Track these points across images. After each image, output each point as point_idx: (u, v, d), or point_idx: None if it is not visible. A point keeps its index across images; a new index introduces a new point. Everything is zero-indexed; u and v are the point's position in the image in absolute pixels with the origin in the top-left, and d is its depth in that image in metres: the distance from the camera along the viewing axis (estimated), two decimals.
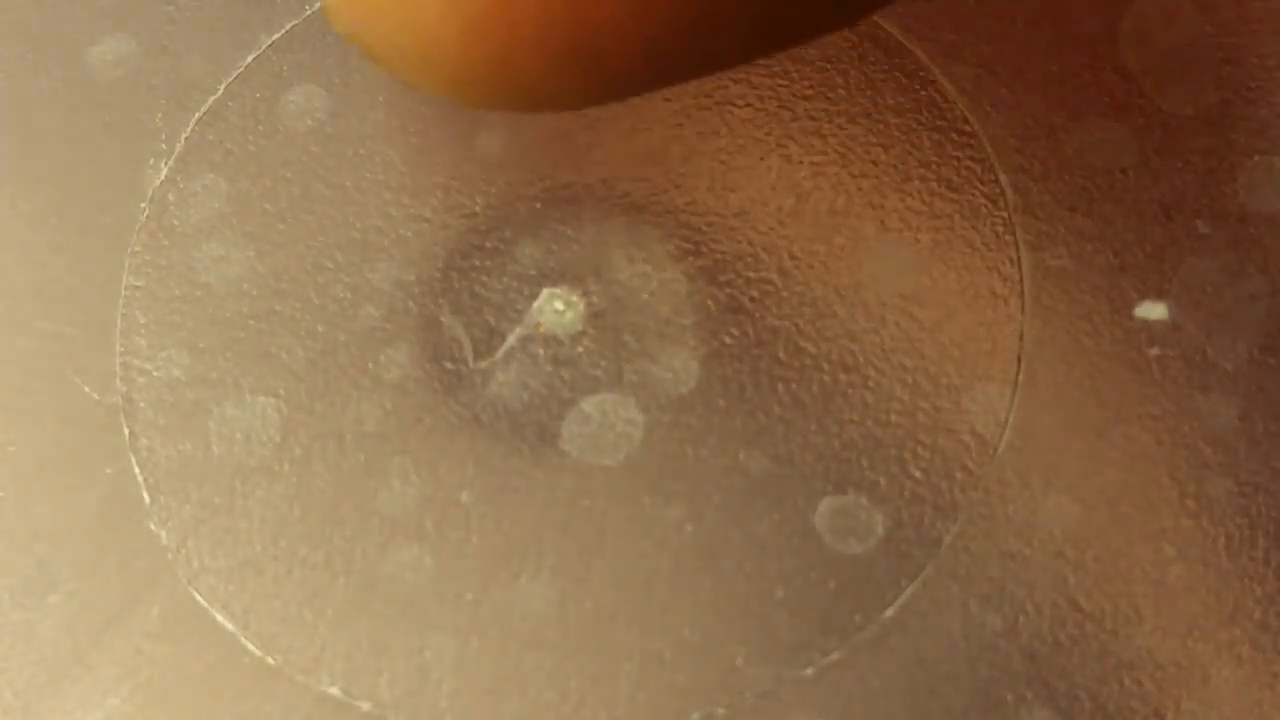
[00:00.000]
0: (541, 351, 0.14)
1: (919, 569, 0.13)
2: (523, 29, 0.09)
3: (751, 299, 0.14)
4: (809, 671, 0.13)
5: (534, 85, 0.10)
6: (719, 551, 0.14)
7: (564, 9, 0.09)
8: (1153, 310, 0.14)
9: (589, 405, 0.14)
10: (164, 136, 0.16)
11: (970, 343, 0.14)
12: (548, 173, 0.15)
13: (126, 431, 0.15)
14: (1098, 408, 0.14)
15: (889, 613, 0.13)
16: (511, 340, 0.15)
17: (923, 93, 0.15)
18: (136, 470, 0.14)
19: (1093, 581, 0.13)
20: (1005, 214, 0.15)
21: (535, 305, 0.15)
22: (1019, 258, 0.14)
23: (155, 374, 0.15)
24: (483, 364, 0.14)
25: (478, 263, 0.15)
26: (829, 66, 0.15)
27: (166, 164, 0.16)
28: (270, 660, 0.14)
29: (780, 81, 0.15)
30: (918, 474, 0.14)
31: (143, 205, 0.16)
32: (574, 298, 0.15)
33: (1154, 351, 0.14)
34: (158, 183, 0.16)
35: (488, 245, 0.15)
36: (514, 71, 0.10)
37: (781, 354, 0.14)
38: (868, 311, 0.14)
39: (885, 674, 0.13)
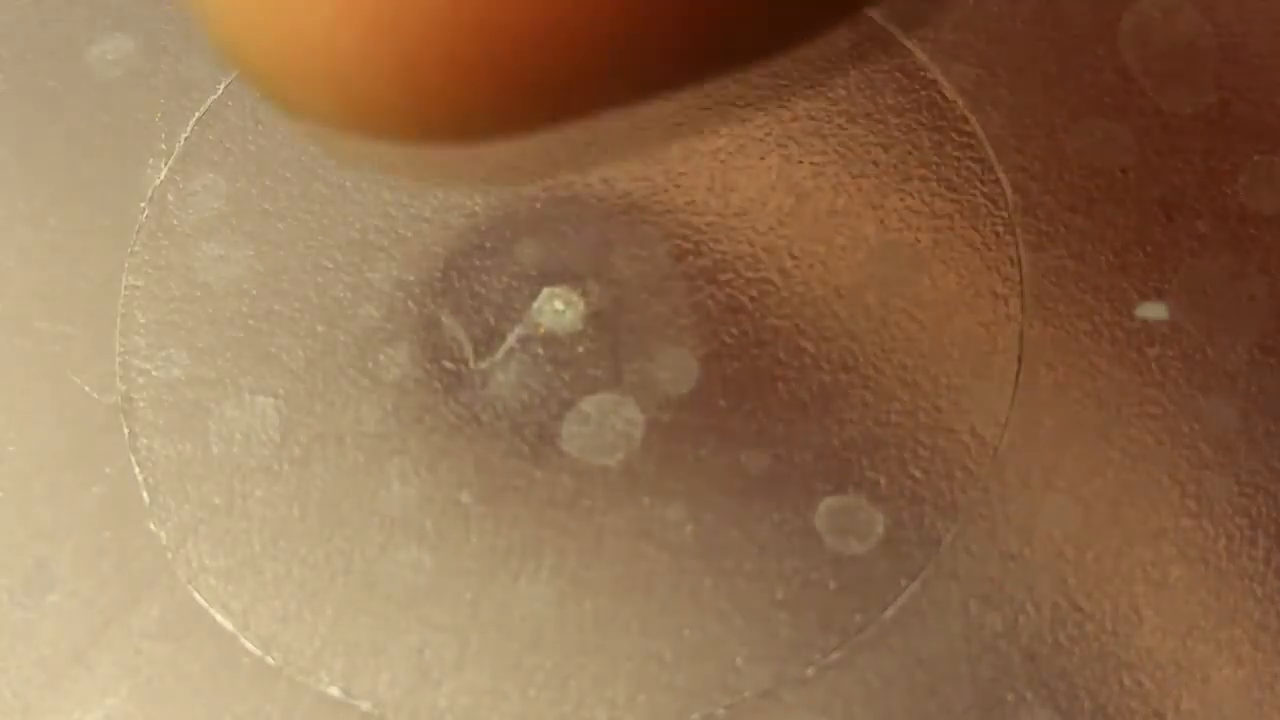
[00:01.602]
0: (541, 351, 0.14)
1: (919, 569, 0.13)
2: (425, 46, 0.08)
3: (751, 299, 0.14)
4: (809, 671, 0.13)
5: (441, 110, 0.09)
6: (719, 551, 0.14)
7: (472, 23, 0.08)
8: (1153, 310, 0.14)
9: (588, 405, 0.14)
10: (164, 136, 0.16)
11: (970, 343, 0.14)
12: (548, 173, 0.15)
13: (126, 431, 0.15)
14: (1098, 408, 0.14)
15: (889, 613, 0.13)
16: (511, 340, 0.15)
17: (923, 93, 0.15)
18: (136, 470, 0.14)
19: (1093, 581, 0.13)
20: (1005, 214, 0.15)
21: (535, 305, 0.15)
22: (1019, 258, 0.14)
23: (155, 374, 0.15)
24: (482, 364, 0.14)
25: (478, 263, 0.15)
26: (829, 66, 0.15)
27: (166, 164, 0.16)
28: (270, 660, 0.14)
29: (780, 81, 0.15)
30: (918, 474, 0.14)
31: (143, 205, 0.16)
32: (574, 298, 0.15)
33: (1154, 351, 0.14)
34: (158, 183, 0.16)
35: (488, 245, 0.15)
36: (419, 86, 0.08)
37: (781, 354, 0.14)
38: (868, 311, 0.14)
39: (885, 674, 0.13)
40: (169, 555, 0.14)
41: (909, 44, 0.15)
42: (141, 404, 0.15)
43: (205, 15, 0.09)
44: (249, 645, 0.14)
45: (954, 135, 0.15)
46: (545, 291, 0.15)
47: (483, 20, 0.08)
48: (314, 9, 0.08)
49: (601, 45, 0.08)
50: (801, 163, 0.15)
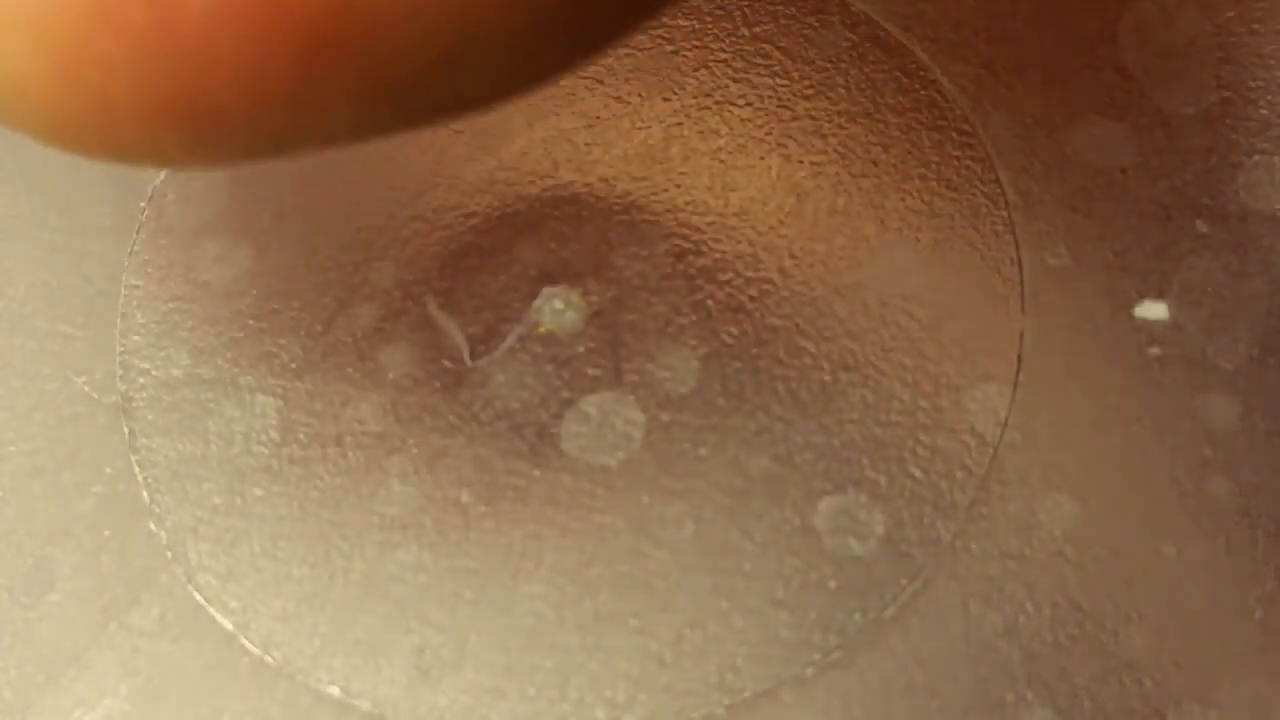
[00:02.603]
0: (541, 351, 0.14)
1: (919, 569, 0.13)
2: (117, 75, 0.08)
3: (751, 299, 0.14)
4: (809, 671, 0.13)
5: (139, 138, 0.09)
6: (719, 551, 0.14)
7: (160, 57, 0.08)
8: (1153, 310, 0.14)
9: (589, 405, 0.14)
10: None
11: (970, 343, 0.14)
12: (548, 173, 0.15)
13: (126, 431, 0.15)
14: (1098, 408, 0.14)
15: (889, 613, 0.13)
16: (511, 340, 0.15)
17: (923, 93, 0.15)
18: (136, 470, 0.14)
19: (1093, 581, 0.13)
20: (1005, 214, 0.15)
21: (535, 305, 0.15)
22: (1019, 258, 0.14)
23: (155, 374, 0.15)
24: (482, 363, 0.14)
25: (478, 262, 0.15)
26: (829, 66, 0.15)
27: None
28: (269, 659, 0.14)
29: (780, 81, 0.15)
30: (918, 474, 0.14)
31: (143, 205, 0.16)
32: (574, 297, 0.15)
33: (1154, 351, 0.14)
34: (158, 182, 0.16)
35: (487, 245, 0.15)
36: (113, 120, 0.08)
37: (781, 354, 0.14)
38: (868, 311, 0.14)
39: (885, 674, 0.13)
40: (169, 555, 0.14)
41: (909, 44, 0.15)
42: (141, 404, 0.15)
43: None
44: (249, 645, 0.14)
45: (954, 135, 0.15)
46: (545, 291, 0.15)
47: (168, 64, 0.08)
48: (9, 37, 0.08)
49: (283, 92, 0.08)
50: (801, 163, 0.15)
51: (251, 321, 0.15)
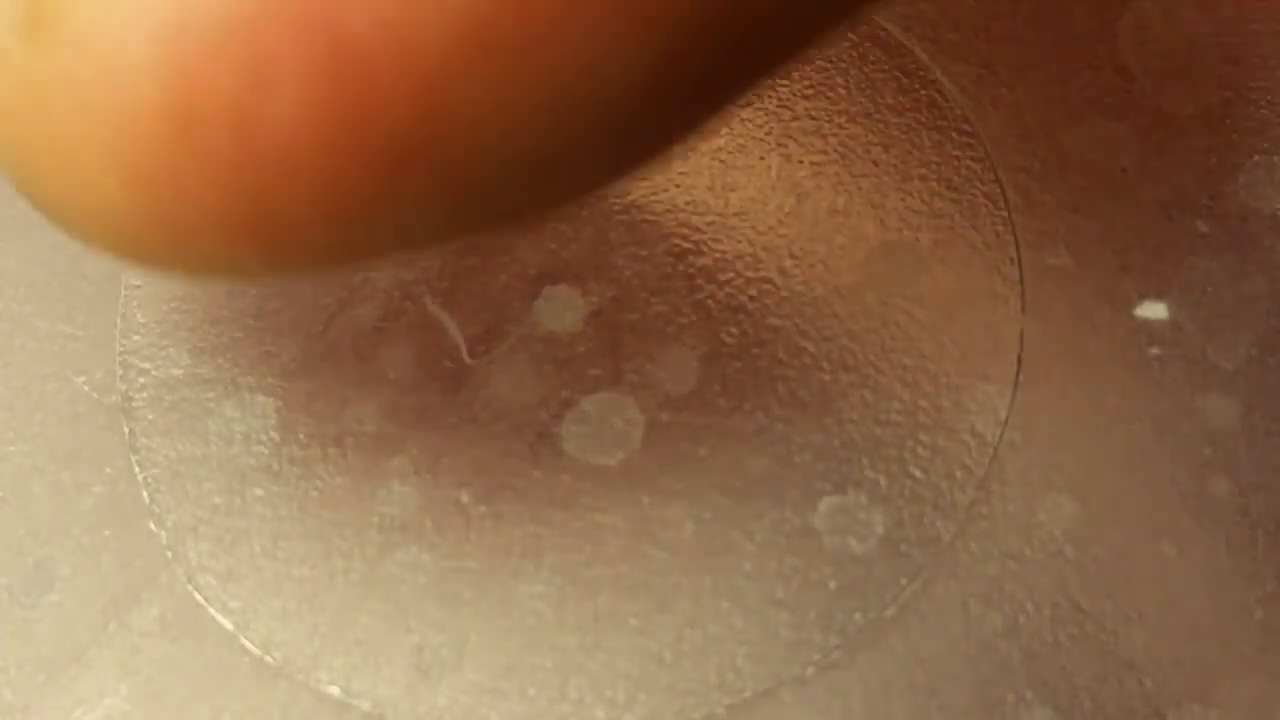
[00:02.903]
0: (541, 351, 0.14)
1: (919, 569, 0.13)
2: (197, 200, 0.08)
3: (751, 299, 0.14)
4: (809, 671, 0.13)
5: (217, 258, 0.09)
6: (719, 551, 0.14)
7: (243, 183, 0.08)
8: (1153, 310, 0.14)
9: (589, 405, 0.14)
10: None
11: (970, 343, 0.14)
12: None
13: (126, 431, 0.15)
14: (1098, 408, 0.14)
15: (889, 612, 0.13)
16: (511, 339, 0.15)
17: (923, 93, 0.15)
18: (136, 470, 0.14)
19: (1093, 581, 0.13)
20: (1005, 214, 0.15)
21: (535, 305, 0.15)
22: (1019, 258, 0.14)
23: (155, 374, 0.15)
24: (482, 363, 0.14)
25: (478, 262, 0.15)
26: (829, 66, 0.15)
27: None
28: (269, 659, 0.14)
29: (780, 81, 0.15)
30: (918, 473, 0.14)
31: None
32: (574, 297, 0.15)
33: (1154, 351, 0.14)
34: None
35: (487, 245, 0.15)
36: (192, 243, 0.08)
37: (781, 354, 0.14)
38: (868, 311, 0.14)
39: (885, 674, 0.13)
40: (169, 555, 0.14)
41: (909, 44, 0.15)
42: (141, 404, 0.15)
43: (1, 158, 0.09)
44: (249, 645, 0.14)
45: (954, 135, 0.15)
46: (545, 291, 0.15)
47: (242, 185, 0.08)
48: (89, 160, 0.08)
49: (364, 209, 0.08)
50: (801, 163, 0.15)
51: (251, 321, 0.15)
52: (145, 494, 0.14)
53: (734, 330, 0.14)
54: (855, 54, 0.15)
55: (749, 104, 0.15)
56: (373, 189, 0.08)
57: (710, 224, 0.15)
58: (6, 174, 0.09)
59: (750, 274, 0.15)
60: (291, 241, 0.08)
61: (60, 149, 0.08)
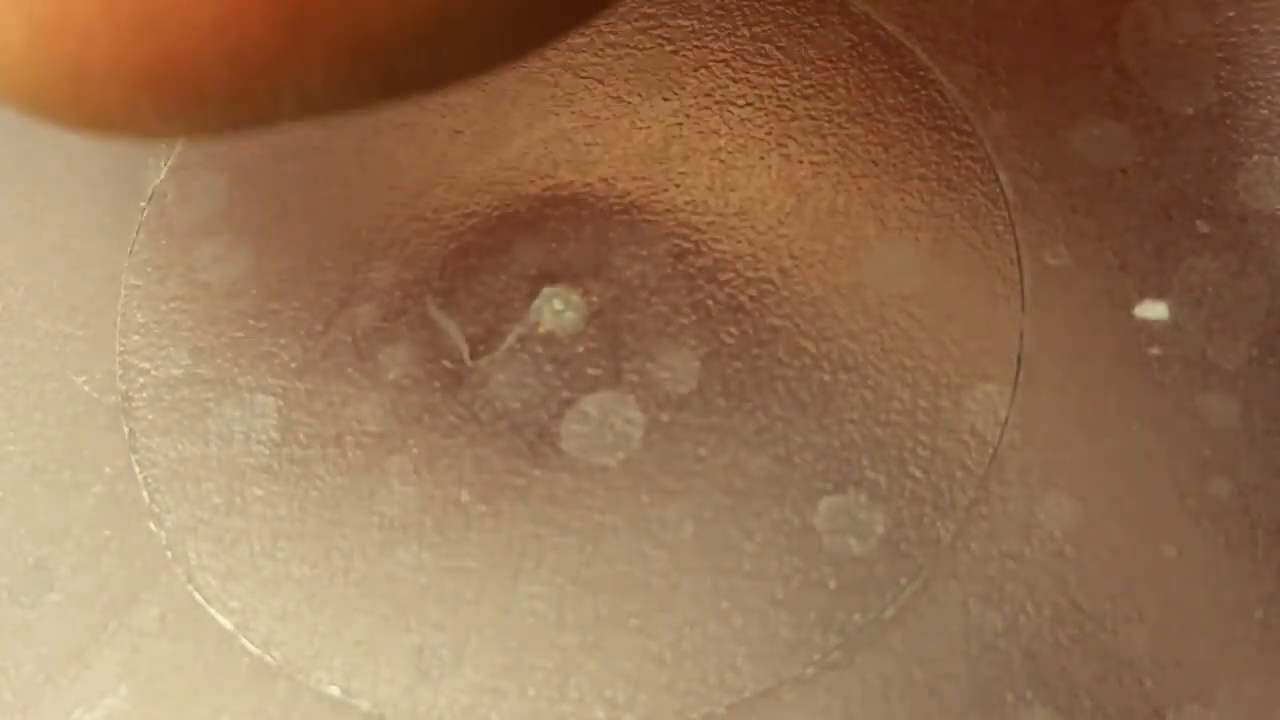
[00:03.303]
0: (541, 351, 0.14)
1: (919, 569, 0.13)
2: (95, 42, 0.08)
3: (751, 299, 0.14)
4: (809, 671, 0.13)
5: (116, 108, 0.09)
6: (719, 551, 0.14)
7: (139, 24, 0.08)
8: (1153, 310, 0.14)
9: (589, 405, 0.14)
10: None
11: (970, 343, 0.14)
12: (548, 173, 0.15)
13: (126, 431, 0.15)
14: (1098, 408, 0.14)
15: (889, 613, 0.13)
16: (511, 339, 0.15)
17: (923, 93, 0.15)
18: (136, 469, 0.14)
19: (1093, 581, 0.13)
20: (1005, 214, 0.15)
21: (535, 305, 0.15)
22: (1019, 258, 0.14)
23: (155, 374, 0.15)
24: (482, 363, 0.14)
25: (477, 262, 0.15)
26: (829, 66, 0.15)
27: (166, 164, 0.16)
28: (269, 659, 0.14)
29: (780, 81, 0.15)
30: (918, 474, 0.14)
31: (142, 205, 0.16)
32: (574, 297, 0.15)
33: (1154, 351, 0.14)
34: (157, 182, 0.16)
35: (487, 245, 0.15)
36: (90, 89, 0.08)
37: (781, 354, 0.14)
38: (868, 311, 0.14)
39: (885, 674, 0.13)
40: (169, 555, 0.14)
41: (909, 44, 0.15)
42: (141, 404, 0.15)
43: None
44: (249, 645, 0.14)
45: (954, 135, 0.15)
46: (545, 291, 0.15)
47: (146, 29, 0.08)
48: None
49: (262, 58, 0.08)
50: (801, 163, 0.15)
51: (251, 321, 0.15)
52: (145, 494, 0.14)
53: (734, 330, 0.14)
54: (855, 54, 0.15)
55: (748, 104, 0.15)
56: (269, 38, 0.08)
57: (710, 224, 0.15)
58: None
59: (750, 274, 0.15)
60: (189, 93, 0.08)
61: None
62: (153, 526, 0.14)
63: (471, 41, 0.09)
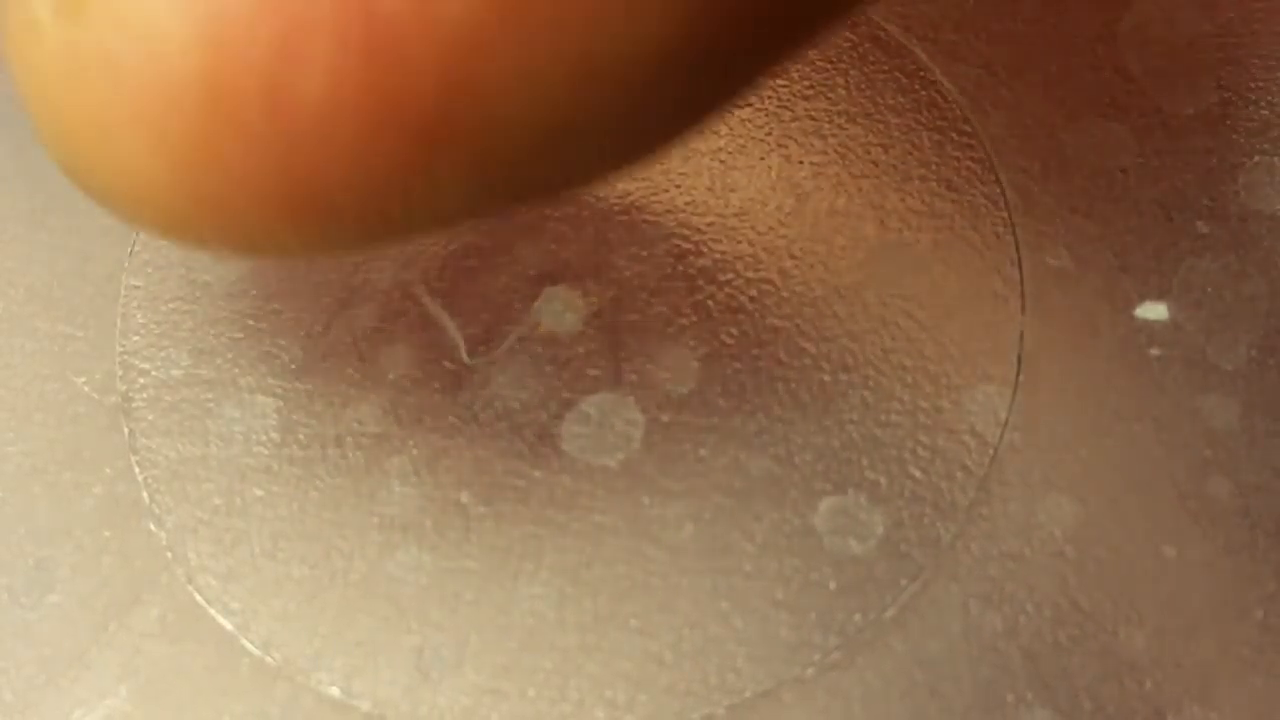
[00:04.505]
0: (541, 351, 0.14)
1: (919, 569, 0.13)
2: (235, 174, 0.08)
3: (751, 299, 0.14)
4: (809, 671, 0.13)
5: (256, 233, 0.09)
6: (719, 551, 0.14)
7: (278, 155, 0.08)
8: (1153, 310, 0.14)
9: (589, 405, 0.14)
10: None
11: (970, 343, 0.14)
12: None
13: (126, 431, 0.15)
14: (1098, 408, 0.14)
15: (889, 613, 0.13)
16: (511, 340, 0.15)
17: (923, 93, 0.15)
18: (136, 470, 0.14)
19: (1093, 581, 0.13)
20: (1005, 214, 0.15)
21: (535, 305, 0.15)
22: (1019, 258, 0.14)
23: (155, 374, 0.15)
24: (482, 364, 0.14)
25: (478, 263, 0.15)
26: (829, 66, 0.15)
27: None
28: (270, 660, 0.14)
29: (780, 81, 0.15)
30: (918, 474, 0.14)
31: None
32: (574, 298, 0.15)
33: (1154, 351, 0.14)
34: None
35: (487, 245, 0.15)
36: (231, 217, 0.09)
37: (781, 354, 0.14)
38: (868, 312, 0.14)
39: (885, 674, 0.13)
40: (169, 555, 0.14)
41: (909, 44, 0.15)
42: (141, 404, 0.15)
43: (42, 138, 0.09)
44: (249, 645, 0.14)
45: (954, 135, 0.15)
46: (545, 291, 0.15)
47: (283, 163, 0.08)
48: (128, 137, 0.08)
49: (397, 184, 0.08)
50: (801, 163, 0.15)
51: (251, 321, 0.15)
52: (145, 494, 0.14)
53: (734, 331, 0.14)
54: (855, 54, 0.15)
55: (749, 104, 0.15)
56: (403, 159, 0.08)
57: (710, 224, 0.15)
58: (49, 154, 0.09)
59: (750, 274, 0.15)
60: (328, 219, 0.09)
61: (98, 126, 0.08)
62: (153, 527, 0.14)
63: (598, 148, 0.09)
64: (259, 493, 0.14)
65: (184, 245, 0.09)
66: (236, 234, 0.09)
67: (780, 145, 0.15)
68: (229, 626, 0.14)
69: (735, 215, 0.15)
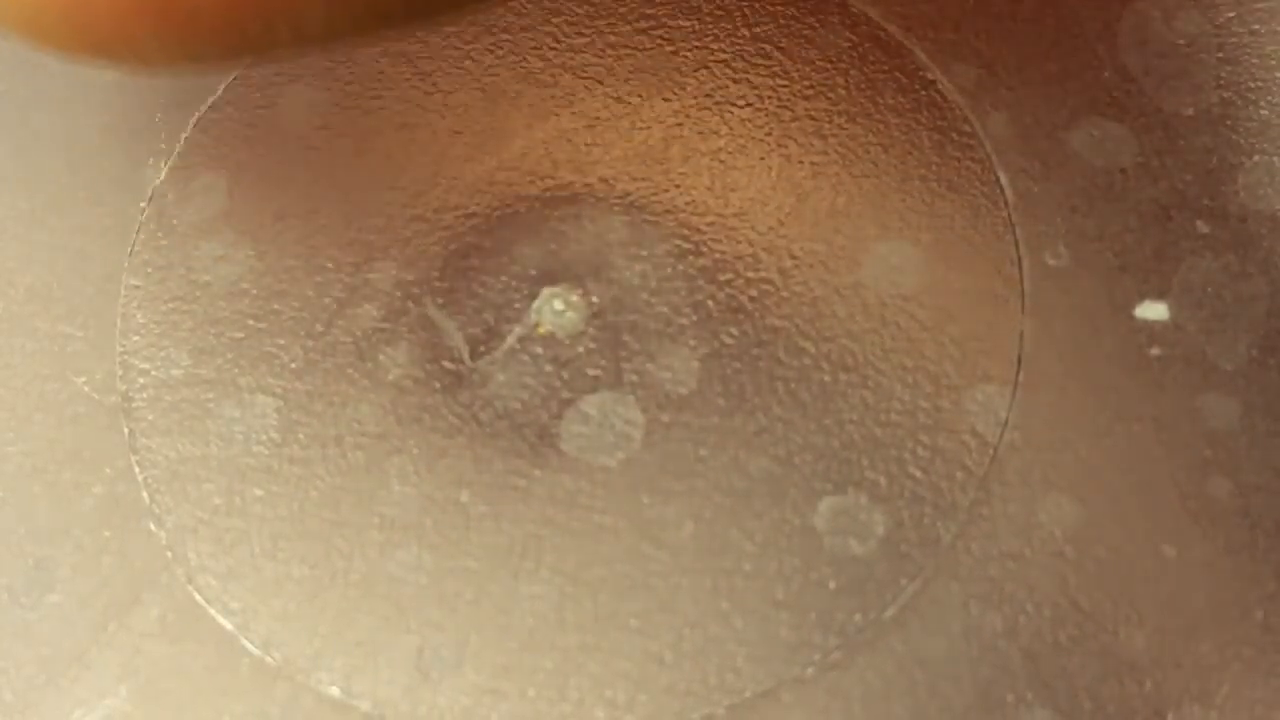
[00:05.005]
0: (541, 351, 0.14)
1: (919, 569, 0.13)
2: None
3: (751, 299, 0.14)
4: (809, 671, 0.13)
5: (113, 35, 0.09)
6: (719, 551, 0.14)
7: None
8: (1153, 310, 0.14)
9: (589, 405, 0.14)
10: (164, 136, 0.16)
11: (970, 343, 0.14)
12: (548, 173, 0.15)
13: (126, 431, 0.15)
14: (1098, 408, 0.14)
15: (889, 613, 0.13)
16: (511, 340, 0.15)
17: (923, 93, 0.15)
18: (136, 470, 0.14)
19: (1093, 581, 0.13)
20: (1005, 214, 0.15)
21: (535, 305, 0.15)
22: (1019, 258, 0.14)
23: (155, 374, 0.15)
24: (482, 364, 0.14)
25: (478, 263, 0.15)
26: (829, 66, 0.15)
27: (166, 164, 0.16)
28: (270, 660, 0.14)
29: (780, 81, 0.15)
30: (918, 474, 0.14)
31: (142, 205, 0.16)
32: (574, 298, 0.15)
33: (1154, 351, 0.14)
34: (157, 182, 0.16)
35: (487, 245, 0.15)
36: (89, 18, 0.09)
37: (781, 354, 0.14)
38: (868, 312, 0.14)
39: (885, 674, 0.13)
40: (169, 555, 0.14)
41: (909, 44, 0.15)
42: (141, 404, 0.15)
43: None
44: (249, 645, 0.14)
45: (954, 135, 0.15)
46: (545, 291, 0.15)
47: None
48: None
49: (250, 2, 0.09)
50: (801, 163, 0.15)
51: (251, 321, 0.15)
52: (145, 494, 0.14)
53: (734, 331, 0.14)
54: (855, 54, 0.15)
55: (748, 104, 0.15)
56: None
57: (710, 224, 0.15)
58: None
59: (750, 274, 0.15)
60: (186, 22, 0.09)
61: None
62: (153, 527, 0.14)
63: None
64: (259, 492, 0.14)
65: (42, 47, 0.09)
66: (96, 35, 0.09)
67: (780, 145, 0.15)
68: (229, 626, 0.14)
69: (735, 215, 0.15)
